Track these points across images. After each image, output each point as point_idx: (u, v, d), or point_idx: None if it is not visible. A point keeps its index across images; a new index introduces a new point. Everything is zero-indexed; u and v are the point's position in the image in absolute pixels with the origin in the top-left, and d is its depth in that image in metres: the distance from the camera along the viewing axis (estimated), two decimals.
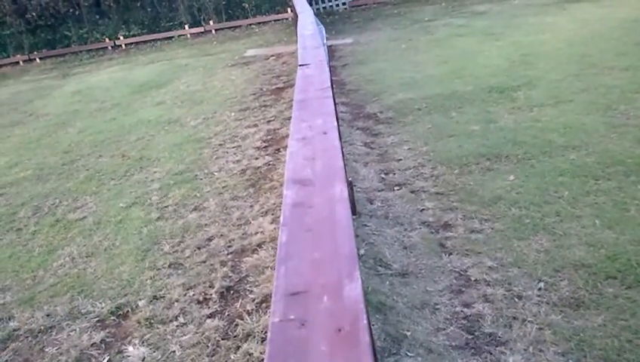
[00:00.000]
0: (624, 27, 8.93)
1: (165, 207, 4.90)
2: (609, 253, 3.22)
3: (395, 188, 4.55)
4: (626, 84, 6.10)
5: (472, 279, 3.21)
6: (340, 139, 2.73)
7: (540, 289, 3.03)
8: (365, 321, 0.95)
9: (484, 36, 10.18)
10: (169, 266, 3.88)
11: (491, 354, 2.64)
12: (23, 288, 3.94)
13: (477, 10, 13.48)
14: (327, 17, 15.81)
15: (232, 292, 3.47)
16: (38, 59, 17.28)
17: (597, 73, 6.72)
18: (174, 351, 3.01)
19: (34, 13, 16.98)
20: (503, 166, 4.62)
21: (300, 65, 3.20)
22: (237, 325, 3.11)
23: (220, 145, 6.32)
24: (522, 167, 4.53)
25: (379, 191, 4.55)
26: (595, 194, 3.93)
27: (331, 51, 10.57)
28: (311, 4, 13.38)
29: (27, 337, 3.36)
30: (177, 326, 3.21)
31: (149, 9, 17.75)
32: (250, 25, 17.21)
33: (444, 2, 15.63)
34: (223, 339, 3.03)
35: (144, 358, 3.02)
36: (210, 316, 3.25)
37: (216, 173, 5.49)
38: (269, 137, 6.29)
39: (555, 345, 2.61)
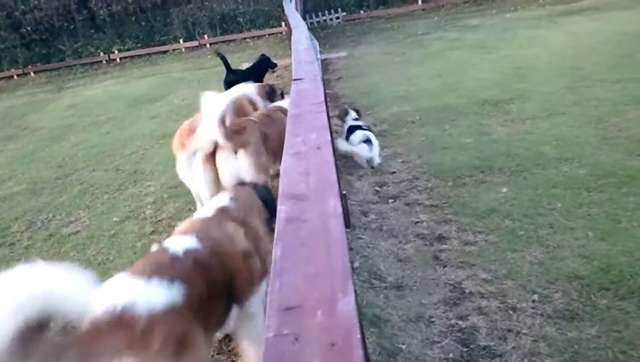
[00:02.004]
0: (615, 40, 9.03)
1: (159, 220, 4.89)
2: (602, 265, 3.23)
3: (390, 200, 4.57)
4: (618, 97, 6.16)
5: (467, 291, 3.21)
6: (334, 152, 2.75)
7: (534, 301, 3.04)
8: (359, 336, 0.95)
9: (477, 50, 10.26)
10: None
11: None
12: None
13: (470, 23, 13.61)
14: (321, 31, 15.91)
15: None
16: (32, 73, 17.29)
17: (588, 86, 6.78)
18: None
19: (28, 28, 17.02)
20: (496, 178, 4.64)
21: (294, 80, 3.22)
22: (231, 340, 3.10)
23: None
24: (515, 179, 4.55)
25: (373, 203, 4.56)
26: (588, 206, 3.95)
27: (325, 65, 10.63)
28: (305, 19, 13.49)
29: None
30: None
31: (144, 23, 17.82)
32: (245, 39, 17.30)
33: (437, 16, 15.77)
34: (217, 354, 3.01)
35: None
36: None
37: None
38: None
39: (550, 357, 2.62)
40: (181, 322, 1.82)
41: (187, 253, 2.08)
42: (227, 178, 3.57)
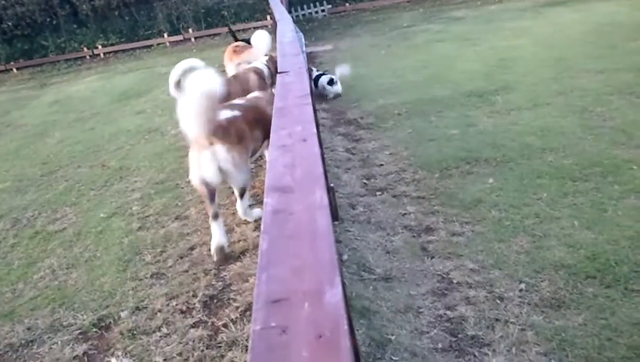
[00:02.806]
0: (598, 31, 9.10)
1: (146, 216, 4.87)
2: (588, 253, 3.27)
3: (377, 193, 4.58)
4: (602, 87, 6.22)
5: (454, 282, 3.23)
6: (321, 145, 2.74)
7: (521, 290, 3.06)
8: (346, 327, 0.95)
9: (462, 41, 10.29)
10: (151, 276, 3.85)
11: (475, 355, 2.66)
12: (3, 301, 3.88)
13: (454, 15, 13.64)
14: (306, 24, 15.87)
15: (215, 301, 3.45)
16: (15, 70, 17.07)
17: (573, 76, 6.83)
18: None
19: (10, 23, 16.78)
20: (482, 169, 4.67)
21: (279, 73, 3.21)
22: (221, 334, 3.10)
23: None
24: (501, 170, 4.58)
25: (361, 196, 4.57)
26: (574, 195, 3.99)
27: (311, 58, 10.59)
28: (290, 12, 13.43)
29: (7, 352, 3.31)
30: (161, 336, 3.19)
31: (127, 18, 17.66)
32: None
33: (422, 8, 15.79)
34: (207, 349, 3.01)
35: None
36: (194, 325, 3.23)
37: None
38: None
39: (538, 345, 2.64)
40: (241, 126, 3.91)
41: (240, 103, 4.29)
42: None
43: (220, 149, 3.65)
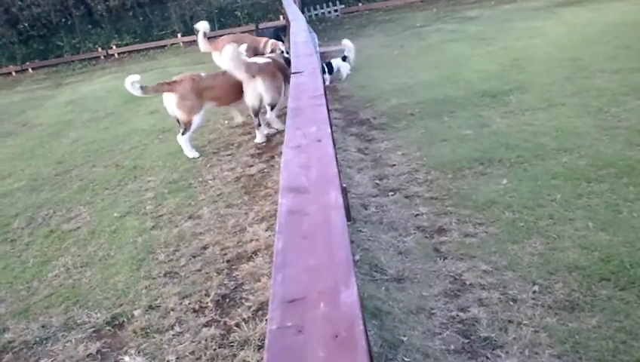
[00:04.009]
0: (613, 31, 9.01)
1: (160, 215, 4.90)
2: (602, 255, 3.24)
3: (390, 193, 4.57)
4: (617, 87, 6.16)
5: (467, 283, 3.22)
6: (334, 145, 2.75)
7: (534, 292, 3.05)
8: (362, 327, 0.96)
9: (476, 41, 10.24)
10: (164, 275, 3.88)
11: (487, 357, 2.65)
12: (18, 299, 3.93)
13: (468, 15, 13.58)
14: (319, 24, 15.87)
15: (228, 300, 3.47)
16: (30, 70, 17.24)
17: (588, 76, 6.78)
18: (171, 360, 3.00)
19: (26, 24, 16.94)
20: (496, 170, 4.65)
21: (294, 73, 3.22)
22: (233, 333, 3.11)
23: (214, 153, 6.32)
24: (515, 171, 4.55)
25: (373, 196, 4.56)
26: (588, 196, 3.96)
27: (324, 58, 10.59)
28: (303, 12, 13.44)
29: (22, 349, 3.35)
30: (173, 335, 3.21)
31: (142, 18, 17.76)
32: (243, 32, 17.23)
33: (435, 8, 15.73)
34: (219, 348, 3.02)
35: None
36: (207, 324, 3.25)
37: (210, 181, 5.49)
38: (263, 144, 6.30)
39: (551, 348, 2.63)
40: (273, 69, 6.16)
41: (270, 56, 6.64)
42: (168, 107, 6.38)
43: (259, 80, 5.97)
